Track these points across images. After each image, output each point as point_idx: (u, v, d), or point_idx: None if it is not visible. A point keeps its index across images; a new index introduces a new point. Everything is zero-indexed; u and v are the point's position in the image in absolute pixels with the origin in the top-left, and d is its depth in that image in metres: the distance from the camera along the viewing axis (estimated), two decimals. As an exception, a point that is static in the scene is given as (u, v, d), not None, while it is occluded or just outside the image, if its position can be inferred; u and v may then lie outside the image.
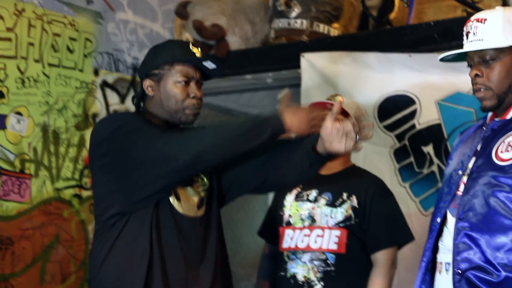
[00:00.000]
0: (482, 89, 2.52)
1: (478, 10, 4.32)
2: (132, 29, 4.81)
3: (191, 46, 2.79)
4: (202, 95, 2.78)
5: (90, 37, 4.50)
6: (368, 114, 3.92)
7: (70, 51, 4.35)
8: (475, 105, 3.76)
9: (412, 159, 3.97)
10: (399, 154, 4.00)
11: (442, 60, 2.70)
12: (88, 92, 4.46)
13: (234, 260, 3.53)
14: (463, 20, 4.02)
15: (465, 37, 2.55)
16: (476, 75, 2.53)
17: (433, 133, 3.89)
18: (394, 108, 4.01)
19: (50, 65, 4.22)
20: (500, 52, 2.48)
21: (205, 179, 2.82)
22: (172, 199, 2.68)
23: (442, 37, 4.05)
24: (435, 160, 3.88)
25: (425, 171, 3.92)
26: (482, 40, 2.49)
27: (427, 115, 3.93)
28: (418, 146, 3.95)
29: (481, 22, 2.52)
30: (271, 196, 3.69)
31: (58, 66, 4.27)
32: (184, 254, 2.67)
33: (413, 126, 3.97)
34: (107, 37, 4.62)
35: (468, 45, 2.54)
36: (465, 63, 2.97)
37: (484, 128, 2.58)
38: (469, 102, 3.78)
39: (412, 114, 3.96)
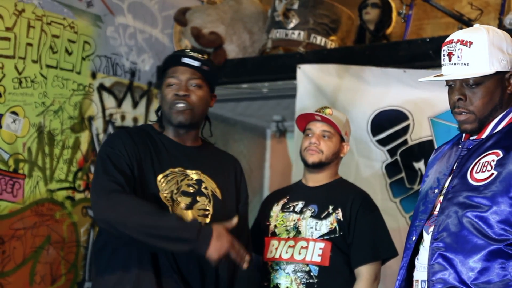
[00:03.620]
0: (464, 112, 2.49)
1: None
2: (131, 34, 4.83)
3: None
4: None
5: (89, 40, 4.52)
6: (360, 128, 3.96)
7: (69, 53, 4.38)
8: (467, 123, 3.79)
9: (403, 174, 3.99)
10: (391, 169, 4.03)
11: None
12: (84, 94, 4.48)
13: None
14: (459, 38, 4.10)
15: (446, 58, 2.49)
16: (459, 99, 2.48)
17: (425, 149, 3.91)
18: (387, 122, 4.03)
19: (48, 66, 4.24)
20: (484, 77, 2.44)
21: (210, 206, 2.86)
22: None
23: (437, 53, 4.04)
24: (426, 177, 3.89)
25: (416, 187, 3.94)
26: (468, 64, 2.44)
27: (419, 131, 3.96)
28: (410, 161, 3.97)
29: (466, 45, 2.45)
30: (257, 207, 3.70)
31: (56, 67, 4.29)
32: (177, 276, 2.76)
33: (406, 142, 3.99)
34: (106, 41, 4.64)
35: (452, 68, 2.48)
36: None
37: (460, 146, 2.57)
38: (461, 120, 3.80)
39: (405, 130, 3.99)
